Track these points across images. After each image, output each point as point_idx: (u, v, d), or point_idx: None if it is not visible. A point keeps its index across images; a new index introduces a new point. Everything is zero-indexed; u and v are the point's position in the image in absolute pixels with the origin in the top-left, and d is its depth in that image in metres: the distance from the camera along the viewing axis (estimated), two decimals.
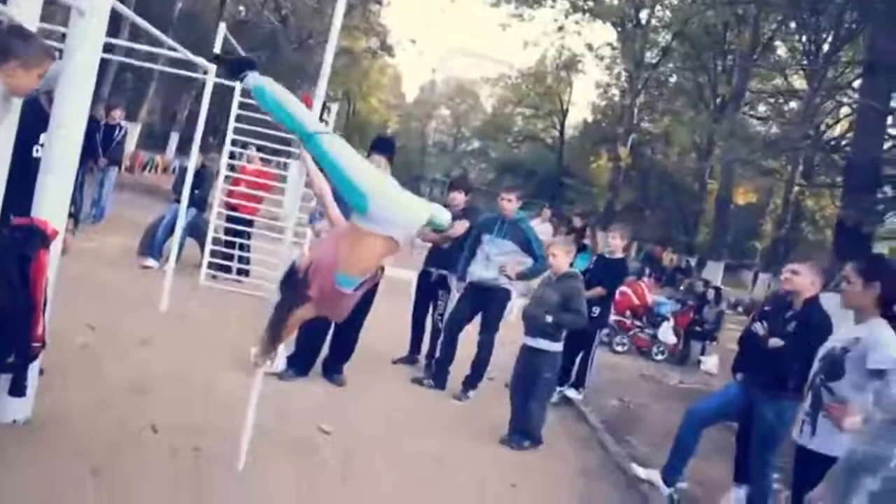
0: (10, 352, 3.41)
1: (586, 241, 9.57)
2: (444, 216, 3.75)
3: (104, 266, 8.26)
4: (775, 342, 4.44)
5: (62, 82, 3.59)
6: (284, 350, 5.58)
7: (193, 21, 25.61)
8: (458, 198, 6.72)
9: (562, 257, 5.33)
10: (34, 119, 3.70)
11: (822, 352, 3.62)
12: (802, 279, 4.52)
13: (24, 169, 3.62)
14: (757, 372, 4.60)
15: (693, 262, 27.29)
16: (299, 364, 5.76)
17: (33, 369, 3.71)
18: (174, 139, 27.40)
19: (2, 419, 3.71)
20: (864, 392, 3.32)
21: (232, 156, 8.70)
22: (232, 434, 4.02)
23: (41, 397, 3.93)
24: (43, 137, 3.88)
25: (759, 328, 4.62)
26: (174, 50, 5.30)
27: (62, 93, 3.62)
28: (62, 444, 3.74)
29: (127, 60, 6.00)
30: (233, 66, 3.54)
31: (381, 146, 5.71)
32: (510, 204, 6.22)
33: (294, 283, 3.56)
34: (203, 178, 8.85)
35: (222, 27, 6.85)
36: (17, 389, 3.51)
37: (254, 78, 3.39)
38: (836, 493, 2.78)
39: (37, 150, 3.96)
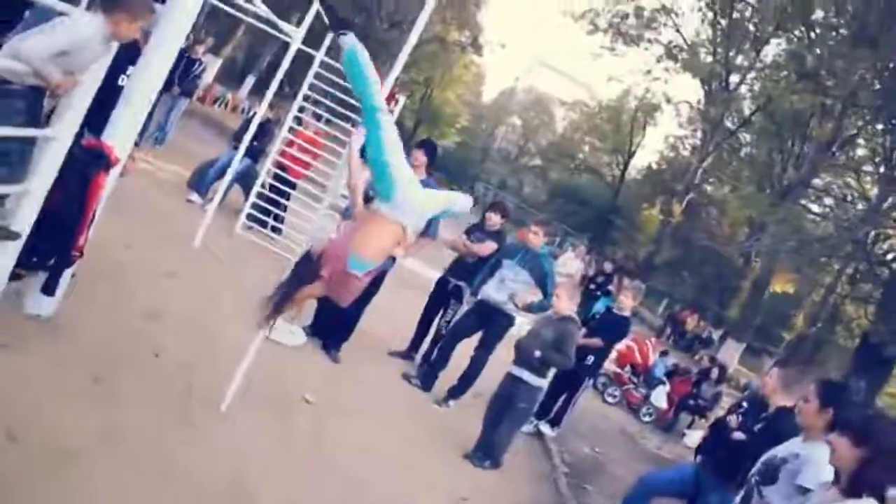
0: (53, 255, 3.80)
1: (611, 288, 9.78)
2: (464, 203, 4.17)
3: (154, 190, 8.70)
4: (738, 435, 4.66)
5: (161, 25, 3.94)
6: (290, 321, 5.90)
7: None
8: (495, 219, 7.03)
9: (564, 300, 5.60)
10: (125, 51, 4.03)
11: (764, 456, 3.84)
12: (772, 383, 4.71)
13: (108, 94, 3.94)
14: (714, 458, 4.81)
15: (716, 334, 27.16)
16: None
17: (67, 274, 4.10)
18: (250, 81, 27.96)
19: (29, 310, 4.09)
20: (792, 502, 3.54)
21: (298, 118, 9.03)
22: (224, 379, 4.37)
23: (67, 300, 4.31)
24: (130, 69, 4.26)
25: (733, 420, 4.83)
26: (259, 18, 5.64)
27: (159, 35, 3.97)
28: (74, 347, 4.11)
29: (221, 6, 6.33)
30: (339, 22, 3.84)
31: (426, 147, 6.16)
32: (536, 237, 6.48)
33: (307, 264, 3.88)
34: (265, 132, 9.23)
35: (316, 2, 7.19)
36: (49, 289, 3.89)
37: (351, 38, 3.67)
38: None
39: (122, 80, 4.33)
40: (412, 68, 30.61)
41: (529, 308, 6.43)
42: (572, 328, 5.48)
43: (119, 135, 4.04)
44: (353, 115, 9.00)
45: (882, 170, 22.39)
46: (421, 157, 6.24)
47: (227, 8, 6.15)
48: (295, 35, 6.79)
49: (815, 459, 3.55)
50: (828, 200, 27.26)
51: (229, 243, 8.04)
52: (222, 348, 5.15)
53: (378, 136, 3.65)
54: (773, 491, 3.62)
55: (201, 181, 9.32)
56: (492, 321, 6.53)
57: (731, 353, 23.84)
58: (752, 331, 27.40)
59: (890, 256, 17.26)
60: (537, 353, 5.32)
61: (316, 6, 7.05)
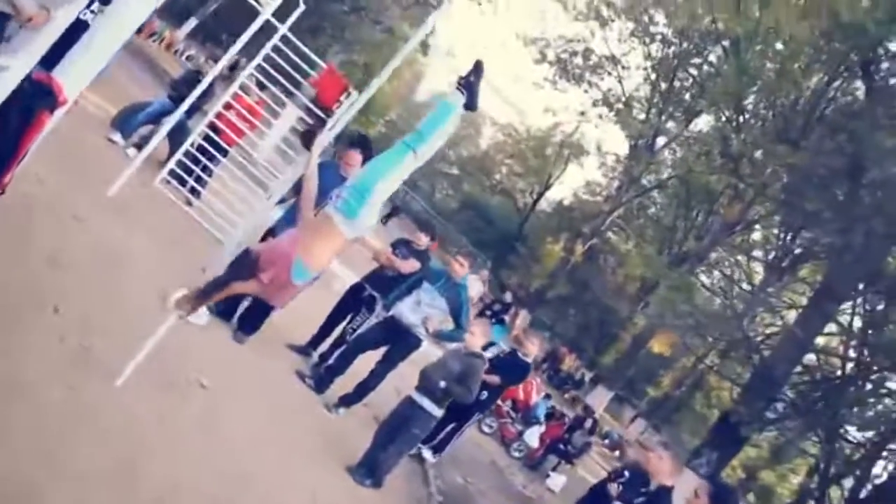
0: None
1: (506, 318, 9.90)
2: None
3: (76, 123, 8.20)
4: None
5: None
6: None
7: None
8: (423, 240, 6.98)
9: (478, 337, 5.63)
10: None
11: None
12: (663, 465, 4.88)
13: (70, 29, 3.68)
14: None
15: (588, 376, 27.99)
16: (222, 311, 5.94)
17: None
18: (192, 23, 26.91)
19: None
20: None
21: (233, 66, 8.65)
22: (123, 348, 4.14)
23: None
24: (96, 5, 3.99)
25: (614, 488, 4.95)
26: None
27: None
28: None
29: None
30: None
31: (362, 146, 6.01)
32: (461, 268, 6.47)
33: (245, 264, 3.74)
34: (208, 89, 8.86)
35: None
36: None
37: (460, 99, 3.87)
38: None
39: (86, 14, 4.03)
40: (355, 50, 30.27)
41: (439, 335, 6.41)
42: (479, 365, 5.50)
43: (72, 75, 3.78)
44: (295, 91, 8.80)
45: (770, 258, 23.70)
46: (356, 156, 6.07)
47: None
48: (267, 8, 6.55)
49: None
50: (716, 274, 28.62)
51: (146, 196, 7.67)
52: (125, 312, 4.91)
53: (390, 169, 3.73)
54: None
55: (127, 123, 8.88)
56: (399, 339, 6.47)
57: (599, 399, 24.66)
58: (622, 382, 28.41)
59: (764, 343, 18.16)
60: (442, 384, 5.32)
61: None
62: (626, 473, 5.34)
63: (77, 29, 3.79)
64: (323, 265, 3.78)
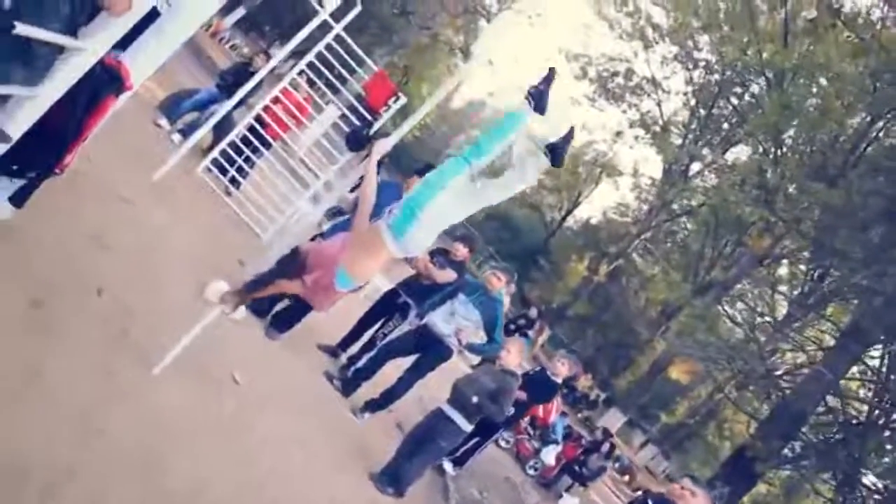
0: (36, 167, 3.52)
1: (529, 333, 9.86)
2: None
3: (126, 104, 8.26)
4: None
5: None
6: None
7: None
8: (462, 251, 6.94)
9: (514, 356, 5.58)
10: None
11: None
12: (696, 501, 4.80)
13: (146, 17, 3.68)
14: None
15: (602, 398, 27.82)
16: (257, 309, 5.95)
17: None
18: (240, 12, 27.08)
19: None
20: None
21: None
22: (160, 336, 4.15)
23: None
24: None
25: None
26: None
27: None
28: (19, 262, 3.83)
29: None
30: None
31: (426, 174, 5.94)
32: (498, 282, 6.47)
33: (292, 264, 3.74)
34: (255, 85, 8.91)
35: None
36: (19, 200, 3.61)
37: (529, 112, 3.70)
38: None
39: (161, 5, 4.06)
40: (397, 52, 30.42)
41: (471, 348, 6.38)
42: (513, 383, 5.46)
43: (140, 62, 3.80)
44: (341, 89, 8.82)
45: (796, 293, 23.44)
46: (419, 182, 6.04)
47: None
48: (327, 7, 6.57)
49: None
50: (740, 305, 28.34)
51: (189, 184, 7.72)
52: (164, 300, 4.93)
53: (442, 184, 3.57)
54: None
55: (174, 108, 8.95)
56: (431, 349, 6.45)
57: (612, 422, 24.47)
58: (636, 407, 28.22)
59: (784, 378, 17.96)
60: (475, 399, 5.27)
61: None
62: (650, 502, 5.26)
63: (149, 16, 3.80)
64: (367, 276, 3.74)
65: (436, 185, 3.61)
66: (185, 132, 8.72)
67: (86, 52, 3.18)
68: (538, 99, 3.73)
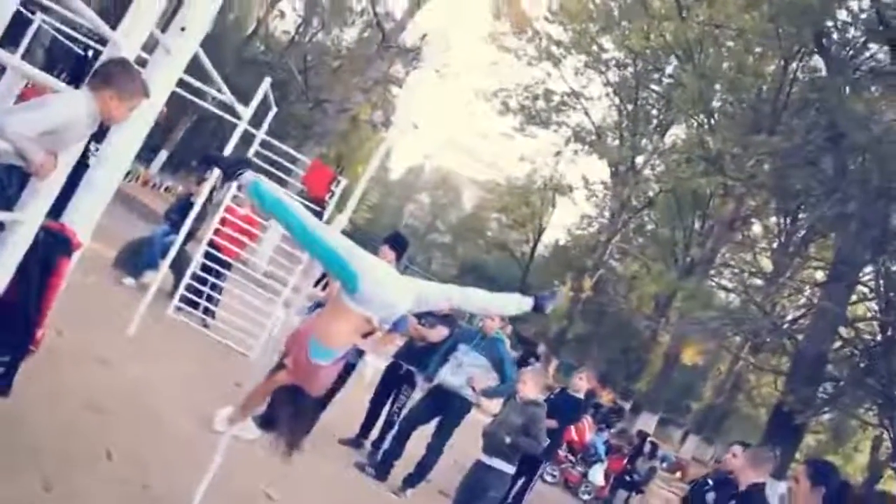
0: (9, 350, 3.47)
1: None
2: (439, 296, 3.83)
3: (78, 272, 8.21)
4: None
5: None
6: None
7: (209, 47, 26.09)
8: (445, 304, 6.91)
9: (531, 386, 5.51)
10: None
11: None
12: (738, 462, 4.77)
13: (73, 173, 3.68)
14: None
15: (628, 406, 27.58)
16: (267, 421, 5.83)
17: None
18: (163, 156, 27.42)
19: None
20: None
21: (212, 190, 8.74)
22: (181, 479, 4.06)
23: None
24: (92, 145, 4.04)
25: (710, 499, 4.82)
26: (221, 92, 5.51)
27: (121, 125, 3.77)
28: (19, 450, 3.74)
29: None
30: (233, 165, 3.59)
31: (395, 242, 5.99)
32: (492, 322, 6.46)
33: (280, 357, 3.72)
34: (199, 215, 8.92)
35: (267, 81, 7.11)
36: (3, 388, 3.54)
37: (251, 175, 3.48)
38: None
39: (89, 159, 4.08)
40: (323, 146, 30.81)
41: (488, 393, 6.33)
42: (539, 412, 5.40)
43: (81, 219, 3.79)
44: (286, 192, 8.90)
45: (775, 246, 23.70)
46: (388, 252, 6.01)
47: (188, 95, 5.94)
48: (244, 114, 6.65)
49: None
50: (727, 274, 28.54)
51: (163, 328, 7.65)
52: (175, 444, 4.84)
53: (323, 247, 3.44)
54: None
55: (135, 262, 8.92)
56: (449, 407, 6.39)
57: (646, 425, 24.20)
58: (663, 402, 28.01)
59: (793, 328, 18.00)
60: (508, 440, 5.20)
61: (267, 84, 6.97)
62: (710, 481, 5.20)
63: (77, 172, 3.81)
64: (341, 342, 3.53)
65: (320, 250, 3.47)
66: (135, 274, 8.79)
67: (23, 223, 3.17)
68: (542, 305, 3.93)
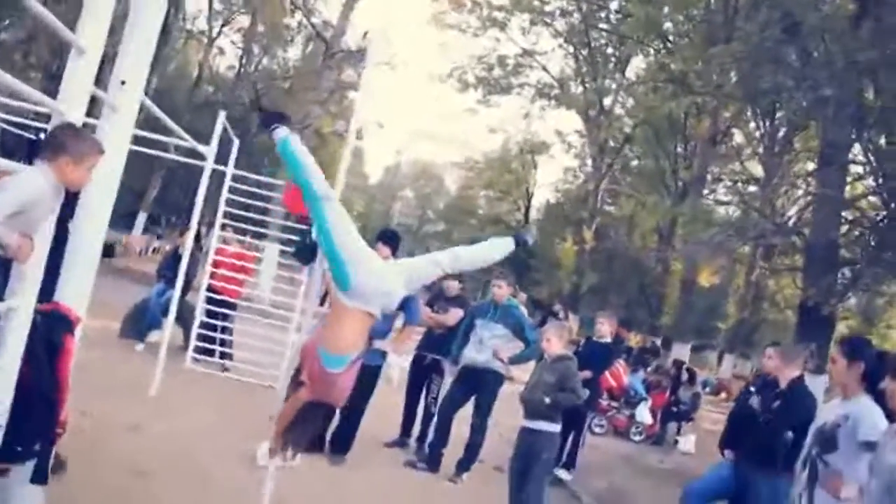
0: (37, 437, 3.45)
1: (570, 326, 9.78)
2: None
3: (87, 349, 8.19)
4: (767, 417, 4.65)
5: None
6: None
7: (162, 98, 26.06)
8: (453, 285, 6.97)
9: (555, 341, 5.49)
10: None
11: (814, 426, 3.82)
12: (776, 363, 4.78)
13: (55, 252, 3.66)
14: (749, 450, 4.76)
15: (658, 342, 27.60)
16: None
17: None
18: (142, 219, 27.38)
19: None
20: (857, 463, 3.51)
21: (198, 236, 8.74)
22: None
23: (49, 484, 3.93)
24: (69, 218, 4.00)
25: (756, 402, 4.83)
26: (183, 139, 5.49)
27: (87, 190, 3.74)
28: None
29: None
30: (269, 118, 3.74)
31: (387, 237, 5.96)
32: (500, 290, 6.45)
33: (296, 376, 3.72)
34: (190, 262, 8.91)
35: (222, 115, 7.08)
36: (40, 476, 3.52)
37: (282, 131, 3.62)
38: None
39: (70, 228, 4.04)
40: None
41: (516, 360, 6.33)
42: (570, 365, 5.38)
43: (73, 293, 3.77)
44: (263, 231, 8.94)
45: (761, 150, 23.66)
46: (384, 249, 5.94)
47: (151, 152, 5.93)
48: (208, 153, 6.62)
49: (866, 413, 3.57)
50: (721, 189, 28.49)
51: (184, 381, 7.65)
52: (223, 487, 4.86)
53: (326, 228, 3.50)
54: (838, 457, 3.60)
55: (137, 328, 8.93)
56: (481, 384, 6.40)
57: (680, 356, 24.22)
58: (692, 330, 28.04)
59: (797, 224, 17.96)
60: (547, 400, 5.19)
61: (222, 118, 6.93)
62: (752, 388, 5.20)
63: (58, 250, 3.78)
64: (349, 346, 3.51)
65: (321, 228, 3.55)
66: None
67: (17, 308, 3.15)
68: (523, 239, 4.06)
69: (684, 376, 11.77)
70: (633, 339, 28.78)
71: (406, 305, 5.83)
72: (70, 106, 3.27)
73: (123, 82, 3.81)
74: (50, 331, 3.55)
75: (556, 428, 5.31)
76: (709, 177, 26.74)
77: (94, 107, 3.84)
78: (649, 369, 14.18)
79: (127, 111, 3.86)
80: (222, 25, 31.64)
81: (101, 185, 3.77)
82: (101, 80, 3.81)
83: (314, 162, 3.57)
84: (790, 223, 18.28)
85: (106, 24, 3.35)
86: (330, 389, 3.60)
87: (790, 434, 4.43)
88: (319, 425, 5.73)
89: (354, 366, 3.61)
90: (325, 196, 3.53)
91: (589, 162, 32.90)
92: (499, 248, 3.96)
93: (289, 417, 3.91)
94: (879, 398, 3.58)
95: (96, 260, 3.93)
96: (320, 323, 3.92)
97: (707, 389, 20.93)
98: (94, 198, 3.77)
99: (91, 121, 3.85)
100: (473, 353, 6.36)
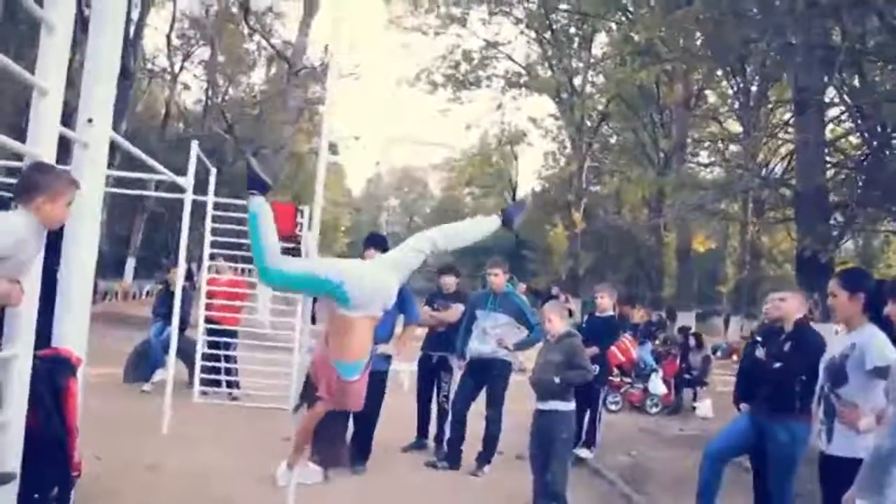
0: (53, 483, 3.43)
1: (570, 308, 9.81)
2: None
3: (92, 396, 8.15)
4: (777, 364, 4.64)
5: (71, 219, 3.68)
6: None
7: (134, 140, 25.93)
8: (450, 282, 7.00)
9: (557, 320, 5.49)
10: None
11: (823, 363, 3.82)
12: (789, 304, 4.77)
13: (46, 295, 3.62)
14: (763, 399, 4.75)
15: (663, 314, 27.60)
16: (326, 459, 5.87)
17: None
18: (131, 264, 27.35)
19: None
20: (871, 392, 3.51)
21: (189, 274, 8.76)
22: None
23: None
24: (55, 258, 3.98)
25: (761, 353, 4.82)
26: (161, 173, 5.47)
27: (71, 229, 3.72)
28: None
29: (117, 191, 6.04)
30: (254, 182, 3.85)
31: (375, 241, 5.97)
32: (497, 278, 6.45)
33: (309, 390, 3.75)
34: (183, 299, 8.86)
35: (195, 144, 7.05)
36: None
37: (260, 200, 3.77)
38: (870, 486, 2.92)
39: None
40: (277, 190, 30.68)
41: (521, 346, 6.33)
42: (575, 341, 5.38)
43: (70, 336, 3.75)
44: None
45: (736, 107, 23.71)
46: (373, 253, 5.89)
47: (129, 192, 5.93)
48: (186, 184, 6.60)
49: (872, 340, 3.59)
50: (703, 153, 28.52)
51: (194, 416, 7.62)
52: None
53: (299, 277, 3.77)
54: (850, 388, 3.60)
55: (141, 370, 8.91)
56: (490, 374, 6.40)
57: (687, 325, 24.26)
58: (693, 299, 28.04)
59: (785, 175, 18.00)
60: (556, 380, 5.17)
61: (195, 147, 6.91)
62: (758, 337, 5.19)
63: (48, 293, 3.75)
64: (361, 352, 3.70)
65: (290, 277, 3.81)
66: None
67: (17, 357, 3.13)
68: (510, 218, 4.14)
69: (692, 342, 11.77)
70: (638, 315, 28.73)
71: (403, 305, 5.84)
72: (39, 146, 3.25)
73: (90, 120, 3.81)
74: (52, 375, 3.54)
75: (570, 407, 5.29)
76: (689, 141, 26.81)
77: (67, 153, 3.82)
78: (657, 342, 14.18)
79: (98, 147, 3.85)
80: (183, 60, 31.63)
81: (84, 222, 3.76)
82: (70, 126, 3.80)
83: (273, 233, 3.76)
84: (776, 176, 18.30)
85: (64, 63, 3.34)
86: (349, 397, 3.77)
87: (803, 377, 4.42)
88: (340, 432, 5.78)
89: (367, 369, 3.71)
90: (273, 264, 3.70)
91: (568, 144, 32.93)
92: (482, 225, 4.01)
93: (310, 431, 3.95)
94: (885, 326, 3.58)
95: (89, 298, 3.92)
96: (319, 340, 3.93)
97: (718, 354, 20.94)
98: (78, 236, 3.77)
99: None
100: (478, 345, 6.35)
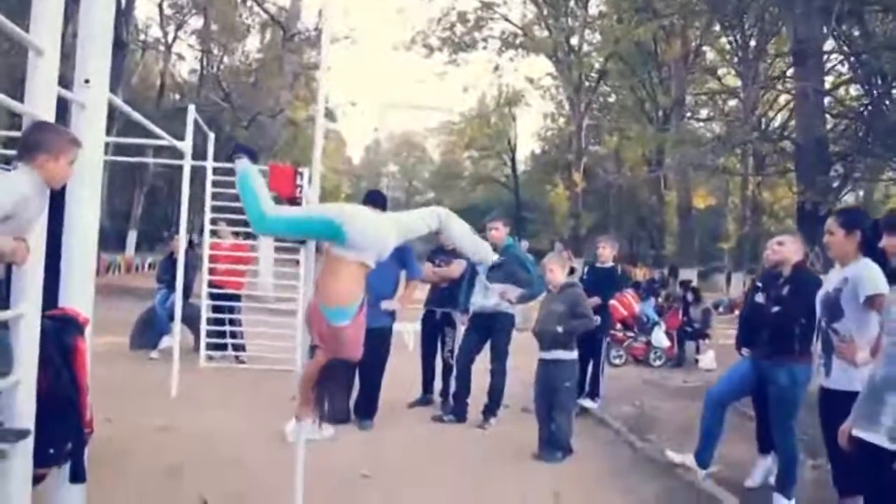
0: (67, 439, 3.49)
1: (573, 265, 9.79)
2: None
3: (100, 364, 8.23)
4: (776, 309, 4.68)
5: (72, 180, 3.70)
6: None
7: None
8: (432, 223, 6.94)
9: (558, 271, 5.54)
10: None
11: (819, 298, 3.86)
12: (787, 248, 4.80)
13: (51, 256, 3.65)
14: (763, 343, 4.80)
15: (665, 272, 27.68)
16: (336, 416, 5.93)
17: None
18: (133, 237, 27.42)
19: None
20: (867, 326, 3.56)
21: (190, 243, 8.79)
22: (279, 497, 4.11)
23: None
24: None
25: (761, 297, 4.85)
26: (161, 138, 5.47)
27: (73, 190, 3.74)
28: None
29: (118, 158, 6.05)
30: (239, 148, 3.99)
31: (373, 199, 5.93)
32: (498, 232, 6.45)
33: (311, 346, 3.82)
34: (186, 266, 8.90)
35: (192, 108, 7.04)
36: (78, 475, 3.56)
37: (247, 163, 3.82)
38: (865, 416, 2.98)
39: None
40: (276, 156, 30.56)
41: (524, 298, 6.36)
42: (577, 290, 5.44)
43: (76, 296, 3.78)
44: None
45: (735, 62, 23.50)
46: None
47: (129, 159, 5.96)
48: (185, 148, 6.60)
49: (865, 272, 3.64)
50: (703, 110, 28.37)
51: (202, 380, 7.72)
52: (259, 467, 4.91)
53: (296, 221, 3.82)
54: (846, 322, 3.65)
55: (147, 336, 8.99)
56: (494, 328, 6.45)
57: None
58: (695, 256, 28.08)
59: (785, 129, 17.93)
60: (559, 329, 5.24)
61: (192, 111, 6.90)
62: (759, 283, 5.23)
63: (52, 254, 3.78)
64: (348, 297, 3.61)
65: (288, 222, 3.85)
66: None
67: (25, 315, 3.17)
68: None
69: (689, 297, 11.84)
70: (640, 272, 28.85)
71: (405, 261, 5.87)
72: (37, 106, 3.25)
73: (87, 80, 3.80)
74: (60, 334, 3.57)
75: (573, 355, 5.36)
76: (688, 98, 26.65)
77: (65, 119, 3.83)
78: (660, 299, 14.27)
79: (96, 108, 3.85)
80: (176, 30, 31.37)
81: (86, 182, 3.77)
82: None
83: (266, 189, 3.76)
84: (775, 128, 18.23)
85: (59, 22, 3.32)
86: (341, 344, 3.69)
87: (802, 320, 4.46)
88: (344, 385, 5.84)
89: (359, 318, 3.68)
90: (269, 211, 3.65)
91: (566, 104, 32.74)
92: (478, 247, 4.17)
93: (312, 379, 3.96)
94: (880, 260, 3.61)
95: (94, 259, 3.95)
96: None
97: (720, 309, 20.99)
98: (81, 197, 3.78)
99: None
100: (481, 299, 6.39)
